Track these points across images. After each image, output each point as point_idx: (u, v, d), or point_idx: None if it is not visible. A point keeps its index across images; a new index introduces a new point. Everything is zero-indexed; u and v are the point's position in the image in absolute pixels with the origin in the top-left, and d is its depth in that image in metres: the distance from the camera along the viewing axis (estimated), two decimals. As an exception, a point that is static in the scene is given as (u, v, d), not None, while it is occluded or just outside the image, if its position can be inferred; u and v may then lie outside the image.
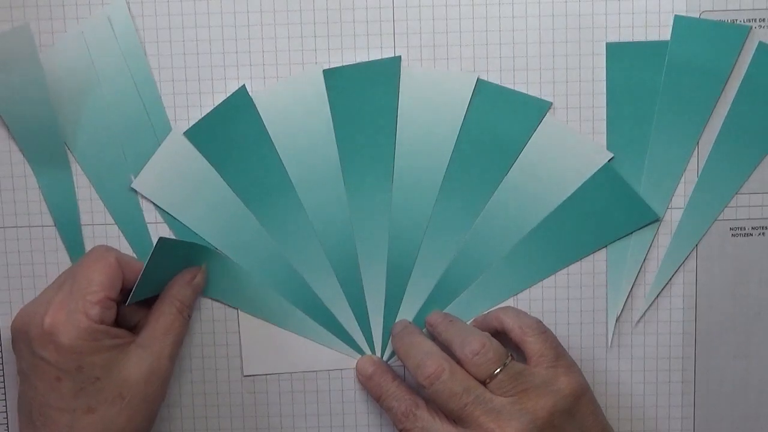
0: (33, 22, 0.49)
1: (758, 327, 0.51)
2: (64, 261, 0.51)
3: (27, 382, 0.45)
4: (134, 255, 0.50)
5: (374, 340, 0.51)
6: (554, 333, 0.47)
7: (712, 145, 0.49)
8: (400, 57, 0.49)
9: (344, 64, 0.49)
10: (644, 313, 0.51)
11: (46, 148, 0.50)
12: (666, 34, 0.49)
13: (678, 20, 0.48)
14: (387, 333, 0.51)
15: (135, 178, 0.50)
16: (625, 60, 0.49)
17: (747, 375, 0.51)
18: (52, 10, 0.49)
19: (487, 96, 0.49)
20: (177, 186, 0.50)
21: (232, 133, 0.50)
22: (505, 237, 0.50)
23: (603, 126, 0.49)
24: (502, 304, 0.50)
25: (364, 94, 0.49)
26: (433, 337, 0.49)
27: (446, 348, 0.47)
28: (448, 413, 0.46)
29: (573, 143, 0.49)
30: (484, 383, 0.45)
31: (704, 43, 0.48)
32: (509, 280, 0.50)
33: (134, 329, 0.47)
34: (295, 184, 0.50)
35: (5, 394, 0.52)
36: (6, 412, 0.52)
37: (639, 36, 0.49)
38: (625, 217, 0.50)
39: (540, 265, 0.50)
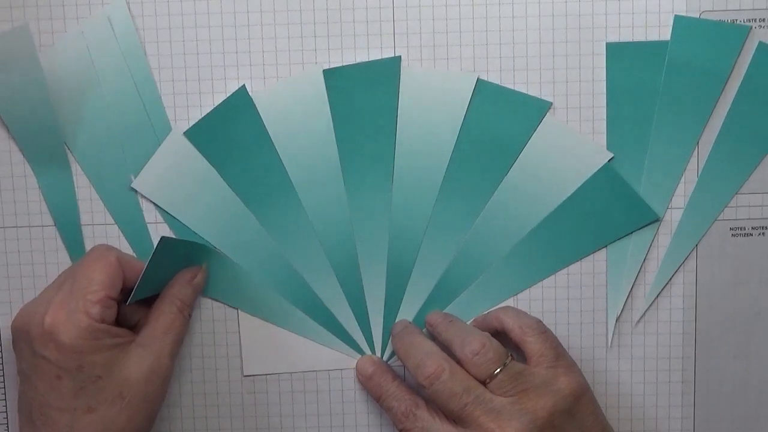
0: (33, 22, 0.49)
1: (758, 327, 0.51)
2: (64, 261, 0.51)
3: (27, 381, 0.45)
4: (134, 255, 0.50)
5: (374, 340, 0.51)
6: (554, 333, 0.47)
7: (712, 145, 0.49)
8: (400, 57, 0.49)
9: (344, 64, 0.49)
10: (644, 313, 0.51)
11: (46, 148, 0.50)
12: (666, 34, 0.49)
13: (678, 20, 0.48)
14: (387, 333, 0.51)
15: (135, 178, 0.50)
16: (625, 60, 0.49)
17: (747, 375, 0.51)
18: (52, 10, 0.49)
19: (487, 96, 0.49)
20: (177, 186, 0.50)
21: (232, 133, 0.50)
22: (505, 237, 0.50)
23: (603, 126, 0.49)
24: (502, 304, 0.50)
25: (364, 94, 0.49)
26: (433, 337, 0.49)
27: (446, 348, 0.47)
28: (448, 413, 0.46)
29: (573, 143, 0.49)
30: (484, 383, 0.45)
31: (704, 43, 0.48)
32: (509, 280, 0.50)
33: (135, 328, 0.47)
34: (295, 184, 0.50)
35: (5, 394, 0.52)
36: (6, 412, 0.52)
37: (639, 36, 0.49)
38: (625, 217, 0.50)
39: (540, 265, 0.50)
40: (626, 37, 0.49)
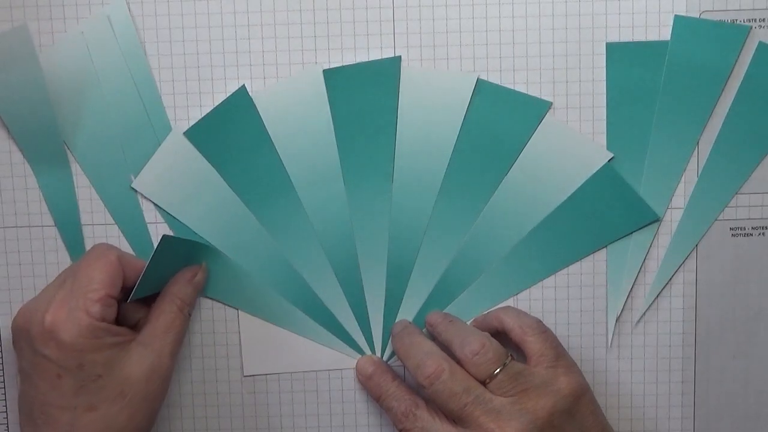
0: (33, 22, 0.49)
1: (758, 327, 0.51)
2: (64, 261, 0.51)
3: (28, 380, 0.45)
4: (134, 255, 0.50)
5: (374, 340, 0.51)
6: (554, 333, 0.47)
7: (712, 145, 0.49)
8: (400, 57, 0.49)
9: (344, 64, 0.49)
10: (644, 313, 0.51)
11: (46, 148, 0.50)
12: (666, 34, 0.49)
13: (678, 20, 0.48)
14: (387, 333, 0.51)
15: (135, 178, 0.50)
16: (625, 60, 0.49)
17: (747, 375, 0.51)
18: (52, 10, 0.49)
19: (487, 96, 0.49)
20: (177, 186, 0.50)
21: (232, 133, 0.50)
22: (505, 237, 0.50)
23: (603, 126, 0.49)
24: (502, 304, 0.50)
25: (364, 94, 0.49)
26: (433, 337, 0.49)
27: (446, 348, 0.47)
28: (448, 413, 0.46)
29: (573, 143, 0.49)
30: (484, 383, 0.45)
31: (704, 43, 0.48)
32: (509, 280, 0.50)
33: (135, 327, 0.47)
34: (295, 184, 0.50)
35: (5, 393, 0.52)
36: (6, 412, 0.52)
37: (639, 36, 0.49)
38: (625, 217, 0.50)
39: (540, 265, 0.50)
40: (626, 37, 0.49)
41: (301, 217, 0.50)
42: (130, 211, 0.50)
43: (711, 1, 0.48)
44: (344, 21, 0.49)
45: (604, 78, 0.49)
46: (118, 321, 0.46)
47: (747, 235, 0.50)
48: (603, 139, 0.50)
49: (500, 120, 0.49)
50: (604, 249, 0.50)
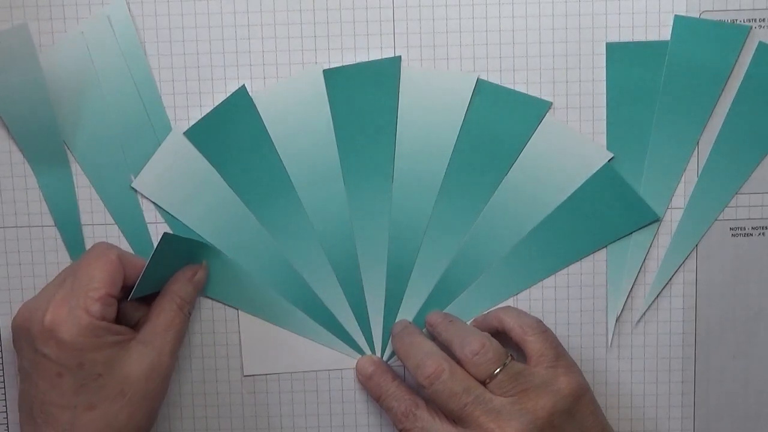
0: (33, 22, 0.49)
1: (758, 327, 0.51)
2: (64, 261, 0.51)
3: (28, 379, 0.45)
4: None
5: (374, 340, 0.51)
6: (554, 333, 0.47)
7: (712, 145, 0.49)
8: (400, 57, 0.49)
9: (344, 64, 0.49)
10: (644, 313, 0.51)
11: (46, 148, 0.50)
12: (666, 34, 0.49)
13: (678, 20, 0.48)
14: (387, 333, 0.51)
15: (135, 178, 0.50)
16: (625, 60, 0.49)
17: (747, 375, 0.51)
18: (52, 10, 0.49)
19: (487, 96, 0.49)
20: (177, 186, 0.50)
21: (232, 133, 0.50)
22: (505, 237, 0.50)
23: (603, 126, 0.49)
24: (502, 304, 0.50)
25: (364, 94, 0.49)
26: (433, 337, 0.49)
27: (446, 348, 0.47)
28: (448, 413, 0.46)
29: (573, 143, 0.49)
30: (484, 383, 0.45)
31: (704, 43, 0.48)
32: (509, 280, 0.50)
33: (135, 326, 0.47)
34: (295, 184, 0.50)
35: (5, 394, 0.52)
36: (6, 412, 0.52)
37: (639, 36, 0.49)
38: (625, 217, 0.50)
39: (540, 265, 0.50)
40: (626, 37, 0.49)
41: (301, 217, 0.50)
42: (130, 211, 0.50)
43: (711, 1, 0.48)
44: (344, 21, 0.49)
45: (604, 78, 0.49)
46: (118, 320, 0.46)
47: (747, 235, 0.50)
48: (603, 139, 0.50)
49: (500, 120, 0.49)
50: (604, 249, 0.50)
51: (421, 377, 0.46)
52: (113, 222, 0.50)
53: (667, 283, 0.50)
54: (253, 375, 0.51)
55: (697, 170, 0.50)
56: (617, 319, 0.51)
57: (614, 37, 0.49)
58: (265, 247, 0.50)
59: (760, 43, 0.48)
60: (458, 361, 0.46)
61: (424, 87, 0.49)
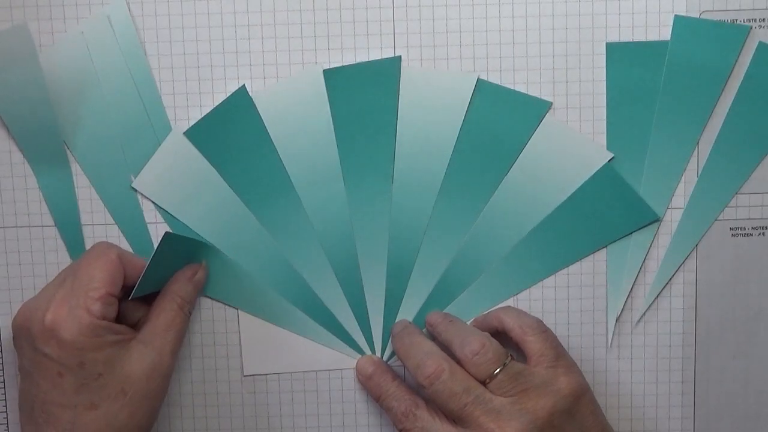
0: (33, 22, 0.49)
1: (758, 327, 0.51)
2: (64, 261, 0.51)
3: (29, 379, 0.45)
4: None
5: (374, 340, 0.51)
6: (554, 333, 0.47)
7: (712, 145, 0.49)
8: (400, 57, 0.49)
9: (344, 64, 0.49)
10: (644, 313, 0.51)
11: (46, 148, 0.50)
12: (666, 34, 0.49)
13: (678, 20, 0.48)
14: (387, 333, 0.51)
15: (135, 178, 0.50)
16: (625, 60, 0.49)
17: (747, 375, 0.51)
18: (52, 10, 0.49)
19: (487, 96, 0.49)
20: (177, 186, 0.50)
21: (232, 133, 0.50)
22: (505, 237, 0.50)
23: (603, 126, 0.49)
24: (502, 304, 0.50)
25: (364, 94, 0.49)
26: (433, 337, 0.49)
27: (446, 348, 0.47)
28: (448, 413, 0.46)
29: (573, 143, 0.49)
30: (484, 383, 0.45)
31: (704, 43, 0.48)
32: (509, 280, 0.50)
33: (136, 326, 0.47)
34: (295, 184, 0.50)
35: (5, 394, 0.52)
36: (6, 412, 0.52)
37: (639, 36, 0.49)
38: (625, 217, 0.50)
39: (540, 265, 0.50)
40: (626, 37, 0.49)
41: (301, 217, 0.50)
42: (130, 211, 0.50)
43: (711, 1, 0.48)
44: (344, 21, 0.49)
45: (604, 78, 0.49)
46: (119, 319, 0.46)
47: (747, 235, 0.50)
48: (603, 139, 0.50)
49: (500, 120, 0.49)
50: (604, 249, 0.50)
51: (421, 377, 0.46)
52: (113, 222, 0.50)
53: (667, 283, 0.50)
54: (253, 375, 0.51)
55: (697, 170, 0.50)
56: (617, 319, 0.51)
57: (614, 37, 0.49)
58: (265, 247, 0.50)
59: (760, 43, 0.48)
60: (458, 361, 0.46)
61: (424, 87, 0.49)
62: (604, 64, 0.49)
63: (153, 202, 0.50)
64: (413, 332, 0.49)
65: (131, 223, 0.50)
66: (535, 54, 0.49)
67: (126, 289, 0.46)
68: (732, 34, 0.48)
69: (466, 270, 0.50)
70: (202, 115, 0.50)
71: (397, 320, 0.51)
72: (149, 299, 0.48)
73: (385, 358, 0.51)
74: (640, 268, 0.50)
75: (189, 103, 0.50)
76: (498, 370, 0.45)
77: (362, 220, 0.50)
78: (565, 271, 0.50)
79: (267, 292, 0.50)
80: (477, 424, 0.44)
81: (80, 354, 0.43)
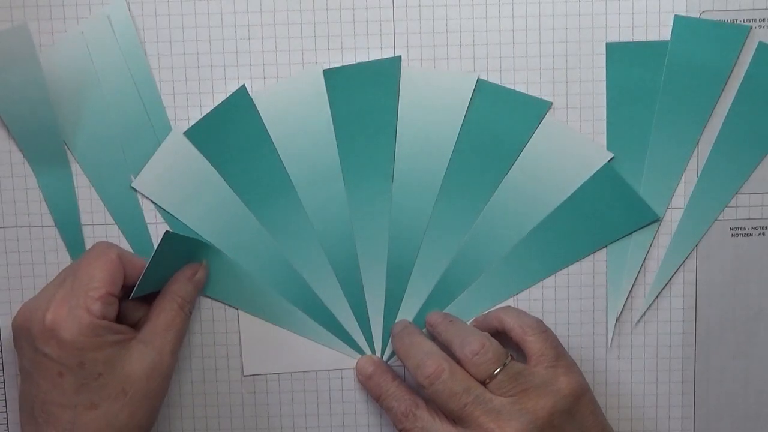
0: (33, 22, 0.49)
1: (758, 327, 0.51)
2: (64, 261, 0.51)
3: (29, 379, 0.45)
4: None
5: (374, 340, 0.51)
6: (554, 333, 0.47)
7: (712, 145, 0.49)
8: (400, 57, 0.49)
9: (344, 64, 0.49)
10: (644, 313, 0.51)
11: (46, 148, 0.50)
12: (666, 34, 0.49)
13: (678, 20, 0.48)
14: (387, 333, 0.51)
15: (135, 178, 0.50)
16: (625, 60, 0.49)
17: (747, 375, 0.51)
18: (52, 10, 0.49)
19: (487, 96, 0.49)
20: (177, 186, 0.50)
21: (232, 133, 0.50)
22: (505, 237, 0.50)
23: (603, 126, 0.49)
24: (502, 304, 0.50)
25: (364, 94, 0.49)
26: (433, 337, 0.49)
27: (446, 348, 0.47)
28: (448, 413, 0.46)
29: (573, 143, 0.49)
30: (484, 383, 0.45)
31: (704, 43, 0.48)
32: (509, 280, 0.50)
33: (136, 326, 0.47)
34: (295, 184, 0.50)
35: (5, 394, 0.52)
36: (6, 412, 0.52)
37: (639, 36, 0.49)
38: (625, 217, 0.50)
39: (540, 265, 0.50)
40: (626, 37, 0.49)
41: (301, 217, 0.50)
42: (130, 211, 0.50)
43: (711, 1, 0.48)
44: (344, 21, 0.49)
45: (604, 78, 0.49)
46: (119, 319, 0.46)
47: (747, 235, 0.50)
48: (603, 139, 0.50)
49: (500, 120, 0.49)
50: (604, 249, 0.50)
51: (421, 377, 0.46)
52: (113, 222, 0.50)
53: (667, 283, 0.50)
54: (253, 375, 0.51)
55: (697, 170, 0.50)
56: (617, 319, 0.51)
57: (614, 37, 0.49)
58: (265, 247, 0.50)
59: (760, 43, 0.48)
60: (458, 361, 0.46)
61: (424, 87, 0.49)
62: (604, 64, 0.49)
63: (153, 202, 0.50)
64: (413, 332, 0.49)
65: (131, 223, 0.50)
66: (535, 54, 0.49)
67: (126, 289, 0.46)
68: (732, 34, 0.48)
69: (466, 270, 0.50)
70: (202, 115, 0.50)
71: (397, 320, 0.51)
72: (149, 299, 0.48)
73: (385, 358, 0.51)
74: (640, 268, 0.50)
75: (189, 103, 0.50)
76: (498, 370, 0.45)
77: (362, 220, 0.50)
78: (565, 271, 0.50)
79: (267, 292, 0.50)
80: (477, 424, 0.44)
81: (80, 354, 0.43)
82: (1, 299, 0.51)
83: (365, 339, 0.51)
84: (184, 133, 0.50)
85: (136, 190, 0.50)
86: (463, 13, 0.49)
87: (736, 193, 0.50)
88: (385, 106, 0.49)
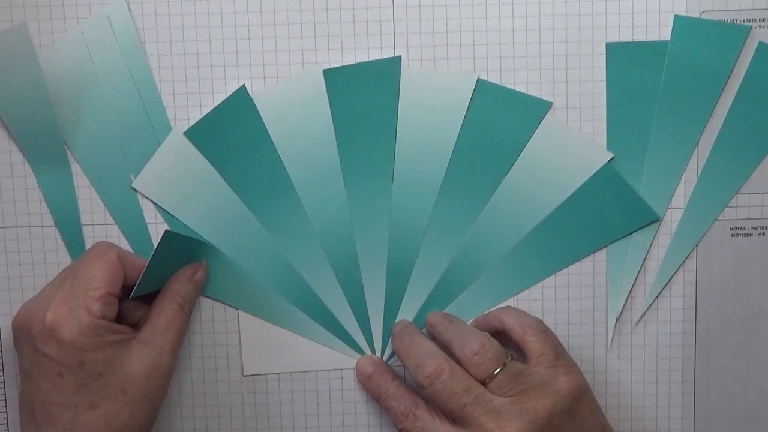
0: (33, 22, 0.49)
1: (758, 327, 0.51)
2: (64, 261, 0.51)
3: (29, 379, 0.45)
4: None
5: (374, 340, 0.51)
6: (554, 333, 0.47)
7: (712, 145, 0.49)
8: (400, 57, 0.49)
9: (344, 64, 0.49)
10: (644, 313, 0.51)
11: (46, 148, 0.50)
12: (666, 34, 0.49)
13: (678, 20, 0.48)
14: (387, 333, 0.51)
15: (135, 178, 0.50)
16: (625, 60, 0.49)
17: (747, 375, 0.51)
18: (52, 10, 0.49)
19: (487, 96, 0.49)
20: (177, 186, 0.50)
21: (232, 133, 0.50)
22: (505, 237, 0.50)
23: (603, 126, 0.49)
24: (502, 304, 0.50)
25: (364, 94, 0.49)
26: (433, 337, 0.49)
27: (446, 348, 0.47)
28: (447, 413, 0.46)
29: (573, 143, 0.49)
30: (483, 383, 0.45)
31: (704, 43, 0.48)
32: (509, 280, 0.50)
33: (136, 326, 0.47)
34: (295, 184, 0.50)
35: (5, 394, 0.52)
36: (6, 412, 0.52)
37: (639, 36, 0.49)
38: (625, 217, 0.50)
39: (540, 265, 0.50)
40: (626, 37, 0.49)
41: (301, 217, 0.50)
42: (130, 211, 0.50)
43: (711, 1, 0.48)
44: (344, 21, 0.49)
45: (604, 78, 0.49)
46: (119, 319, 0.46)
47: (747, 235, 0.50)
48: (603, 139, 0.50)
49: (500, 120, 0.49)
50: (604, 249, 0.50)
51: (421, 377, 0.46)
52: (113, 222, 0.50)
53: (667, 283, 0.50)
54: (253, 375, 0.51)
55: (697, 170, 0.50)
56: (617, 319, 0.51)
57: (614, 37, 0.49)
58: (265, 247, 0.50)
59: (760, 43, 0.48)
60: (458, 361, 0.46)
61: (424, 87, 0.49)
62: (604, 64, 0.49)
63: (153, 202, 0.50)
64: (413, 332, 0.49)
65: (131, 223, 0.50)
66: (535, 54, 0.49)
67: (126, 289, 0.46)
68: (732, 34, 0.48)
69: (466, 270, 0.50)
70: (202, 115, 0.50)
71: (397, 320, 0.51)
72: (149, 299, 0.48)
73: (385, 358, 0.51)
74: (640, 268, 0.50)
75: (189, 103, 0.50)
76: (498, 370, 0.45)
77: (362, 220, 0.50)
78: (565, 271, 0.50)
79: (267, 292, 0.50)
80: (477, 424, 0.44)
81: (80, 354, 0.43)
82: (1, 299, 0.51)
83: (365, 339, 0.51)
84: (184, 133, 0.50)
85: (136, 190, 0.50)
86: (463, 13, 0.49)
87: (736, 193, 0.50)
88: (385, 106, 0.49)
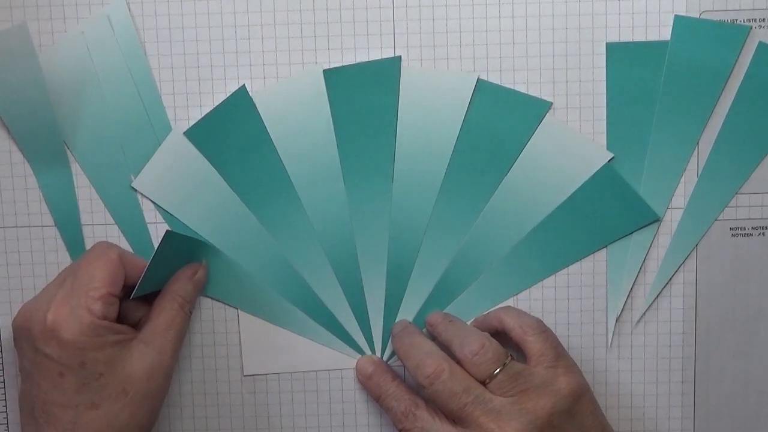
0: (33, 22, 0.49)
1: (758, 327, 0.51)
2: (64, 261, 0.51)
3: (29, 379, 0.45)
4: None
5: (374, 340, 0.51)
6: (554, 333, 0.47)
7: (712, 145, 0.49)
8: (400, 57, 0.49)
9: (344, 64, 0.49)
10: (644, 313, 0.51)
11: (46, 148, 0.50)
12: (666, 34, 0.49)
13: (678, 20, 0.48)
14: (387, 333, 0.51)
15: (135, 178, 0.50)
16: (625, 60, 0.49)
17: (747, 375, 0.51)
18: (52, 10, 0.49)
19: (487, 96, 0.49)
20: (177, 186, 0.50)
21: (232, 133, 0.50)
22: (505, 237, 0.50)
23: (603, 126, 0.49)
24: (502, 304, 0.50)
25: (364, 94, 0.49)
26: (433, 337, 0.49)
27: (446, 348, 0.47)
28: (447, 413, 0.46)
29: (573, 143, 0.49)
30: (483, 383, 0.45)
31: (704, 43, 0.48)
32: (509, 280, 0.50)
33: (136, 326, 0.47)
34: (295, 184, 0.50)
35: (5, 394, 0.52)
36: (6, 412, 0.52)
37: (639, 36, 0.49)
38: (625, 217, 0.50)
39: (540, 265, 0.50)
40: (626, 37, 0.49)
41: (301, 217, 0.50)
42: (130, 211, 0.50)
43: (711, 1, 0.48)
44: (344, 21, 0.49)
45: (604, 78, 0.49)
46: (120, 319, 0.46)
47: (747, 235, 0.50)
48: (603, 139, 0.50)
49: (500, 120, 0.49)
50: (604, 249, 0.50)
51: (421, 377, 0.46)
52: (113, 222, 0.50)
53: (667, 283, 0.50)
54: (253, 375, 0.51)
55: (697, 170, 0.50)
56: (617, 319, 0.51)
57: (614, 37, 0.49)
58: (265, 247, 0.50)
59: (760, 43, 0.48)
60: (458, 361, 0.46)
61: (424, 87, 0.49)
62: (604, 64, 0.49)
63: (153, 202, 0.50)
64: (413, 332, 0.49)
65: (131, 223, 0.50)
66: (535, 54, 0.49)
67: (126, 289, 0.46)
68: (732, 34, 0.48)
69: (466, 270, 0.50)
70: (202, 115, 0.50)
71: (397, 320, 0.51)
72: (150, 299, 0.48)
73: (385, 358, 0.51)
74: (640, 268, 0.50)
75: (189, 103, 0.50)
76: (498, 370, 0.45)
77: (362, 220, 0.50)
78: (565, 271, 0.50)
79: (267, 292, 0.50)
80: (477, 424, 0.44)
81: (81, 354, 0.43)
82: (1, 299, 0.51)
83: (365, 339, 0.51)
84: (184, 133, 0.50)
85: (136, 190, 0.50)
86: (463, 13, 0.49)
87: (736, 193, 0.50)
88: (385, 106, 0.49)
